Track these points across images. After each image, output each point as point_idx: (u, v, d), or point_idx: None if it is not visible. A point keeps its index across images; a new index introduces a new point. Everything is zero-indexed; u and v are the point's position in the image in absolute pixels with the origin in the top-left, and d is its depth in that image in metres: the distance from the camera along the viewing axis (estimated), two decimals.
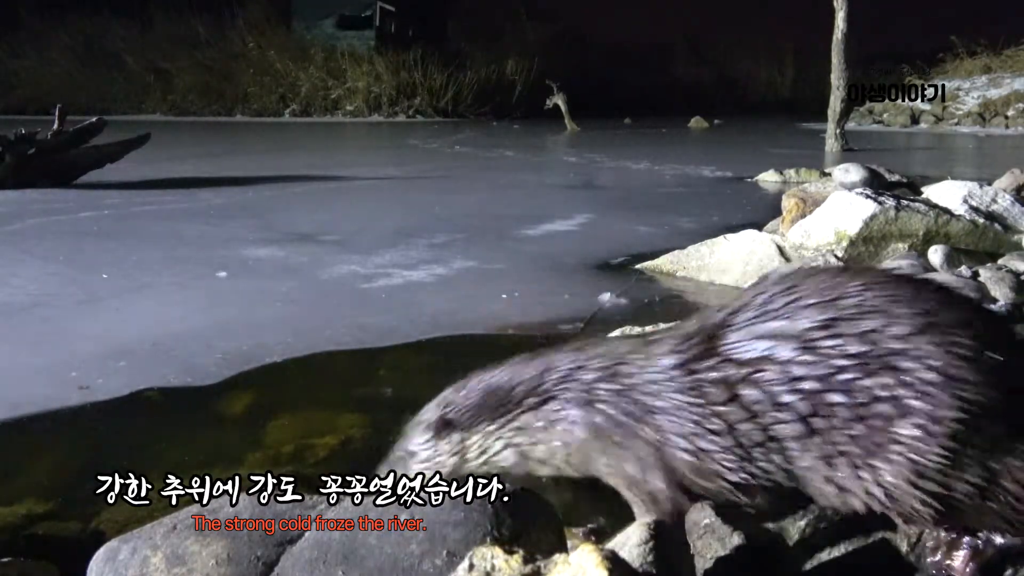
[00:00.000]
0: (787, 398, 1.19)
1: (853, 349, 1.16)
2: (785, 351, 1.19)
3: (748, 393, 1.21)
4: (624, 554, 1.06)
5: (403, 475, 1.37)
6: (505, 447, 1.38)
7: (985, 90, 19.29)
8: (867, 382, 1.15)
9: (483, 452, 1.40)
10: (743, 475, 1.24)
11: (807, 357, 1.18)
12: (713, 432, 1.24)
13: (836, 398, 1.16)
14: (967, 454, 1.12)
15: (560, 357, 1.38)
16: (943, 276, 2.95)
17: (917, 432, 1.13)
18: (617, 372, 1.32)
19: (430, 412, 1.44)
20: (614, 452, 1.31)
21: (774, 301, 1.23)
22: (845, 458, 1.17)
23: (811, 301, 1.21)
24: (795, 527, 1.33)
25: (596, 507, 1.57)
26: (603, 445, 1.32)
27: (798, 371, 1.18)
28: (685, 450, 1.26)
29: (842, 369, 1.16)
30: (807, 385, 1.18)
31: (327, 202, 6.23)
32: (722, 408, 1.23)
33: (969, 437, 1.12)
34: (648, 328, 2.44)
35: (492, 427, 1.39)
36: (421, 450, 1.43)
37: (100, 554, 1.29)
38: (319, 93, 25.01)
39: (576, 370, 1.35)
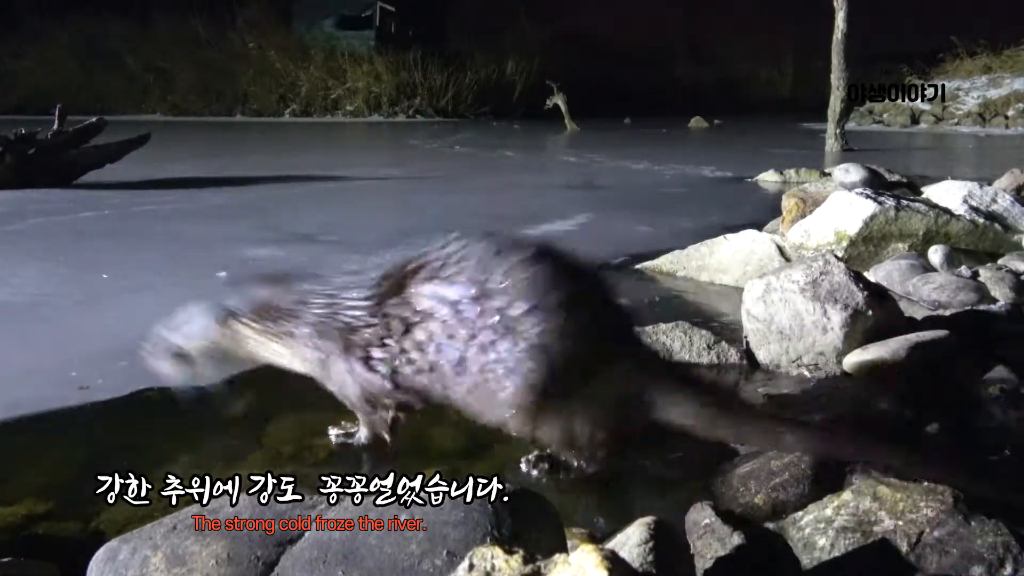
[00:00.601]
0: (443, 340, 1.59)
1: (485, 313, 1.55)
2: (443, 309, 1.59)
3: (418, 332, 1.61)
4: (624, 554, 1.06)
5: (177, 346, 1.85)
6: (258, 343, 1.81)
7: (985, 90, 19.26)
8: (490, 340, 1.55)
9: (243, 339, 1.82)
10: (404, 391, 1.66)
11: (455, 318, 1.57)
12: (387, 353, 1.65)
13: (471, 351, 1.56)
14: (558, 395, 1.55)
15: (312, 286, 1.79)
16: (942, 277, 2.96)
17: (518, 380, 1.53)
18: (334, 302, 1.73)
19: (217, 303, 1.86)
20: (329, 364, 1.73)
21: (446, 267, 1.63)
22: (477, 384, 1.57)
23: (468, 275, 1.59)
24: (795, 527, 1.33)
25: (596, 507, 1.57)
26: (318, 359, 1.74)
27: (451, 327, 1.58)
28: (368, 365, 1.68)
29: (477, 326, 1.55)
30: (456, 333, 1.57)
31: (327, 202, 6.23)
32: (398, 337, 1.63)
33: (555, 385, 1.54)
34: (648, 328, 2.45)
35: (256, 325, 1.80)
36: (203, 330, 1.84)
37: (100, 554, 1.29)
38: (319, 93, 24.98)
39: (314, 297, 1.76)
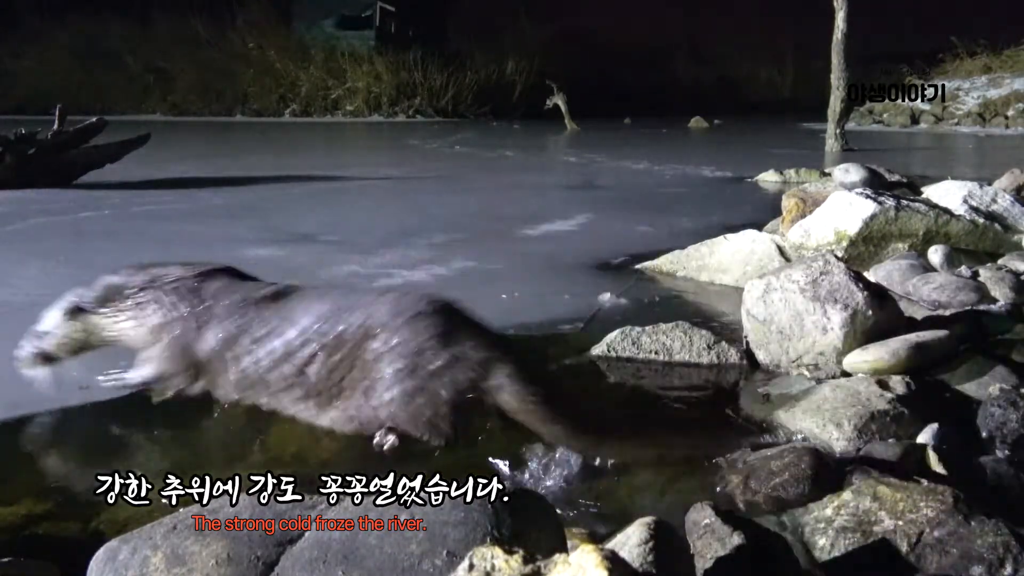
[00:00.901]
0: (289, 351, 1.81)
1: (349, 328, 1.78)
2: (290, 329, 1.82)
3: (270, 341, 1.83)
4: (624, 554, 1.06)
5: (40, 348, 1.99)
6: (117, 327, 1.95)
7: (985, 90, 19.25)
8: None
9: (103, 330, 1.96)
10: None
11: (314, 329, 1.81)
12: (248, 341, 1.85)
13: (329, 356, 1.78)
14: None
15: (167, 270, 1.96)
16: (942, 277, 2.96)
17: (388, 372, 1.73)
18: (199, 288, 1.92)
19: (63, 301, 2.00)
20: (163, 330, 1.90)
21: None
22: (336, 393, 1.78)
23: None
24: (795, 527, 1.33)
25: (596, 507, 1.57)
26: (180, 337, 1.89)
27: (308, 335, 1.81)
28: (202, 332, 1.86)
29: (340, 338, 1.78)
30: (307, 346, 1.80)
31: (327, 202, 6.23)
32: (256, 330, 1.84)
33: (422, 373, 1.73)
34: (648, 328, 2.45)
35: (110, 311, 1.94)
36: (57, 329, 1.98)
37: (100, 554, 1.29)
38: (319, 93, 24.98)
39: (173, 281, 1.93)
